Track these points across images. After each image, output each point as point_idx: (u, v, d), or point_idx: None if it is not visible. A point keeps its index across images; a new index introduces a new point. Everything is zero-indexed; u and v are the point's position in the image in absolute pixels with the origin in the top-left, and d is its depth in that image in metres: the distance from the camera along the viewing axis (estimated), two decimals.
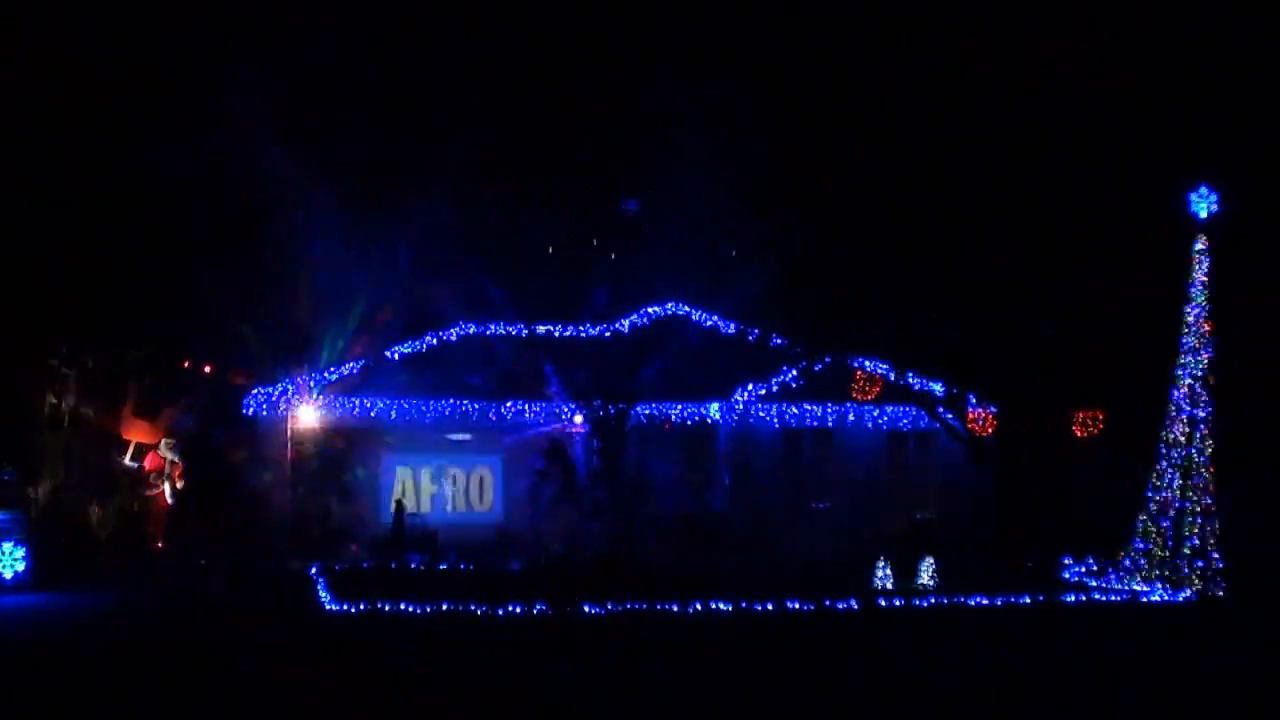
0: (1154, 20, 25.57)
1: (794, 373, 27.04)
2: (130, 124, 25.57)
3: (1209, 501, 21.29)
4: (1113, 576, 22.08)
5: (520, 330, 27.39)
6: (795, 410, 27.12)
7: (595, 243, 29.37)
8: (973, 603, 19.59)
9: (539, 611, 17.69)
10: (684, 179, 24.42)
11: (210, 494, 24.41)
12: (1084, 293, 24.71)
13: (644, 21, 28.55)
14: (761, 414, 26.92)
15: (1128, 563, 22.03)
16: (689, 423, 27.34)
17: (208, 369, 27.43)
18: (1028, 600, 19.85)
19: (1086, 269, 24.75)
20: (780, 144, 25.69)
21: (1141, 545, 21.76)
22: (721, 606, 18.38)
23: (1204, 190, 21.86)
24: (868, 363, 27.28)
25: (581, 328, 27.49)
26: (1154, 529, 21.64)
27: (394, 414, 26.31)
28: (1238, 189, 22.34)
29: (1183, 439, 21.62)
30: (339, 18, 26.14)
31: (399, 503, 25.51)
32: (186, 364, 27.33)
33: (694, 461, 27.80)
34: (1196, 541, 21.15)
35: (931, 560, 21.32)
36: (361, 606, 17.75)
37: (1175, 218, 22.09)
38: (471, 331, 27.19)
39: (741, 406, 26.83)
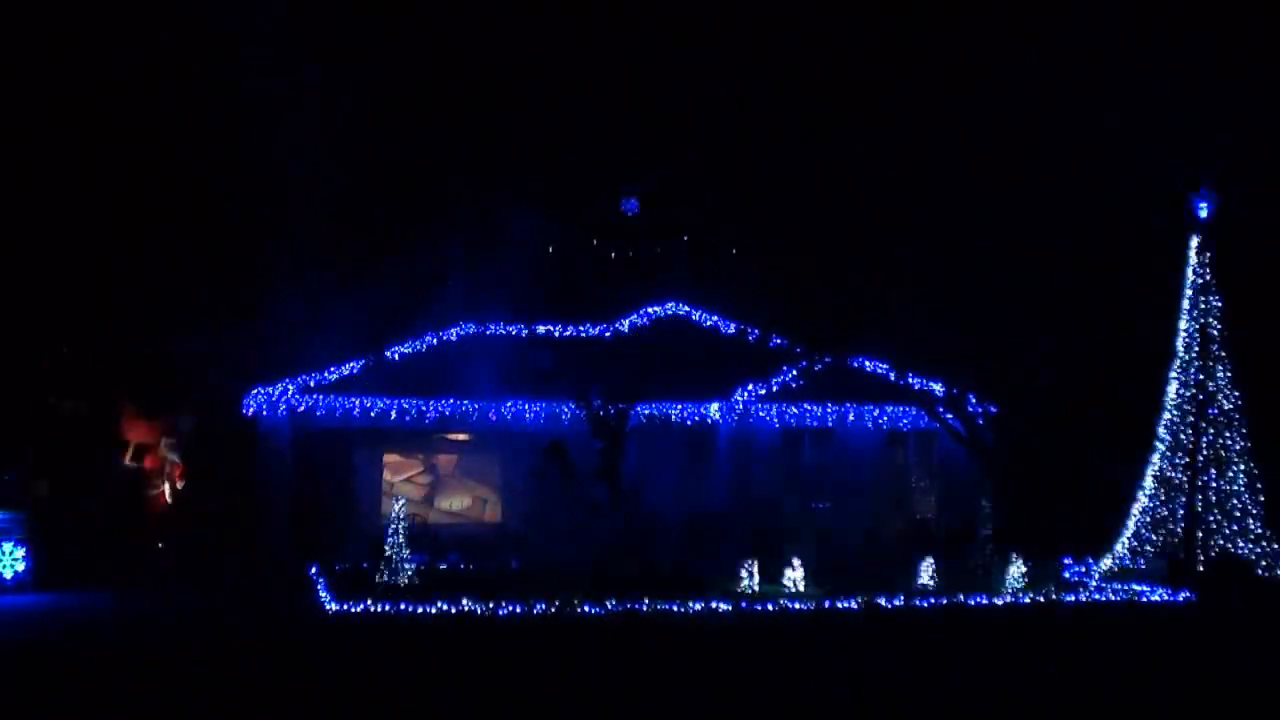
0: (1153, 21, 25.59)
1: (794, 373, 27.01)
2: (127, 122, 25.60)
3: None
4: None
5: (520, 330, 27.38)
6: (795, 410, 27.06)
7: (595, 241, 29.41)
8: (972, 602, 19.58)
9: (539, 611, 17.69)
10: (685, 177, 24.45)
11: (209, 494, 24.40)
12: (1084, 293, 24.70)
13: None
14: (761, 414, 26.87)
15: (1129, 562, 22.10)
16: (689, 423, 27.29)
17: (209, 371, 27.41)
18: (1028, 600, 19.83)
19: (1087, 270, 24.75)
20: (779, 143, 25.72)
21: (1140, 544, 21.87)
22: (723, 607, 18.38)
23: (1204, 190, 21.85)
24: (868, 363, 27.27)
25: (581, 327, 27.48)
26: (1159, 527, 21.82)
27: (394, 414, 26.27)
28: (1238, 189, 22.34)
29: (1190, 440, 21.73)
30: (339, 18, 26.20)
31: (402, 503, 25.43)
32: (186, 364, 27.30)
33: (694, 461, 27.75)
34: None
35: (931, 560, 21.29)
36: (362, 607, 17.74)
37: (1176, 218, 22.09)
38: (471, 331, 27.20)
39: (741, 406, 26.78)
